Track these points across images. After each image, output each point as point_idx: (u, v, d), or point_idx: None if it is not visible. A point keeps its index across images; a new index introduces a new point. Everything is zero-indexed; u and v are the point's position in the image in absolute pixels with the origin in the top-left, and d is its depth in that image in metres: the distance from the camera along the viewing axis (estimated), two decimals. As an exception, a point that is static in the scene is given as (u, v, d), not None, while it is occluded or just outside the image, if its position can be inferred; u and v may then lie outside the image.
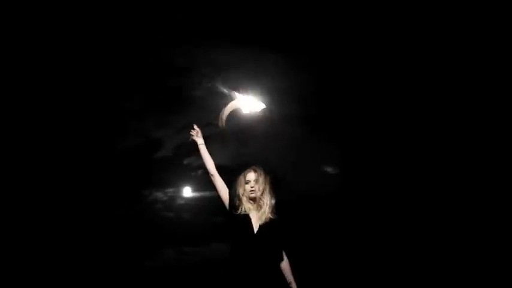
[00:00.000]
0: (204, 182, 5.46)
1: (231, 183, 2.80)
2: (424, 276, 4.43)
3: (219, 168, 2.82)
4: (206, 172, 2.82)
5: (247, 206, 2.71)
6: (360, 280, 4.49)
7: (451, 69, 4.73)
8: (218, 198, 2.80)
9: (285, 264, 2.68)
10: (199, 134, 2.83)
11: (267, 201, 2.71)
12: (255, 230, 2.66)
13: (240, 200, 2.72)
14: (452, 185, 4.64)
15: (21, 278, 4.54)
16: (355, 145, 4.93)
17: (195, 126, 2.82)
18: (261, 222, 2.68)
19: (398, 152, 4.87)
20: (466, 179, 4.60)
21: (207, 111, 4.79)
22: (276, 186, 2.81)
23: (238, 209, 2.69)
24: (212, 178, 2.80)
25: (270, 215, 2.72)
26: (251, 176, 2.74)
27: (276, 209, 2.75)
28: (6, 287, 4.47)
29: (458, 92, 4.73)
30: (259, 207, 2.73)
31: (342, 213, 4.75)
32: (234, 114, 2.98)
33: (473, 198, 4.53)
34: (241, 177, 2.79)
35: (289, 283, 2.67)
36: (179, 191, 5.37)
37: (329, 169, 5.01)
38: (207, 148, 2.82)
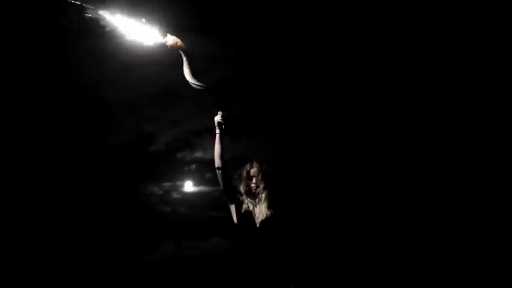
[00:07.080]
0: (199, 176, 5.51)
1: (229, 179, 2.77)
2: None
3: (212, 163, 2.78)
4: (215, 167, 2.76)
5: (249, 202, 2.72)
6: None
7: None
8: (223, 194, 2.76)
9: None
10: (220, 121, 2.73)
11: (267, 196, 2.72)
12: (258, 225, 2.68)
13: (242, 195, 2.73)
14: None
15: (20, 273, 4.55)
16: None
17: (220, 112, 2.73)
18: (262, 217, 2.70)
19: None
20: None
21: (200, 105, 4.77)
22: (273, 180, 2.81)
23: (241, 205, 2.70)
24: (218, 172, 2.76)
25: (269, 210, 2.73)
26: (253, 171, 2.74)
27: (275, 203, 2.76)
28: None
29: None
30: (259, 202, 2.74)
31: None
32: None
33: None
34: (243, 173, 2.78)
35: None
36: (174, 185, 5.37)
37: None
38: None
